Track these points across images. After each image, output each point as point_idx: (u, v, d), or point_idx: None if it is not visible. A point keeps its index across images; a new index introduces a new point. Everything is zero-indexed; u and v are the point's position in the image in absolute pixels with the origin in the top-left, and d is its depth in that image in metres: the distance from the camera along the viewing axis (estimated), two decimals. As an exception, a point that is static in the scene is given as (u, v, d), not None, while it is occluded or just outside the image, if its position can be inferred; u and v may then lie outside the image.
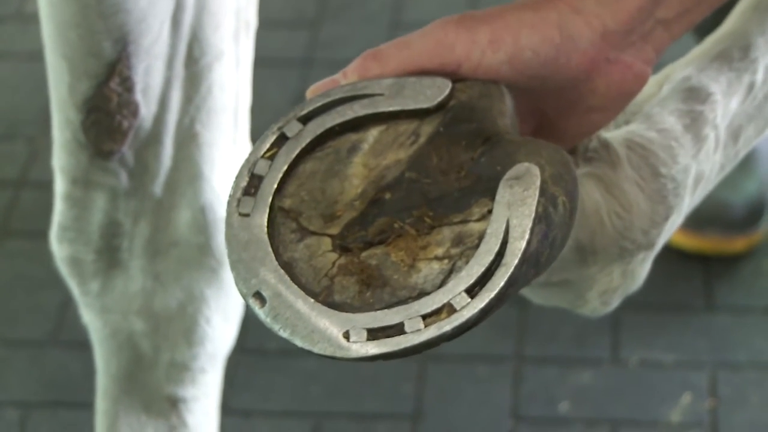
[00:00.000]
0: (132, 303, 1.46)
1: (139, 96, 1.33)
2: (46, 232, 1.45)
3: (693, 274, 2.21)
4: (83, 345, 1.57)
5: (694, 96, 1.17)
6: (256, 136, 1.08)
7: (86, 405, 1.62)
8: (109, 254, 1.43)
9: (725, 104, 1.18)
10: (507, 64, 0.99)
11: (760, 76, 1.19)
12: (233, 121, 1.42)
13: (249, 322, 1.46)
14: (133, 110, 1.34)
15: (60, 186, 1.40)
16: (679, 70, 1.19)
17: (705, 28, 1.10)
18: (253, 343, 1.72)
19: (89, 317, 1.49)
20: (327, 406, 2.06)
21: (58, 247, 1.44)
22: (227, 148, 1.41)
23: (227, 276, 1.44)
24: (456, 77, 1.00)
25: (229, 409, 1.93)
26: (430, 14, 2.54)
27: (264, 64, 1.45)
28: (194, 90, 1.37)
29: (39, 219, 1.62)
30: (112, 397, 1.51)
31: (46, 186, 1.46)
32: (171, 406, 1.51)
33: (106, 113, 1.33)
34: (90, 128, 1.34)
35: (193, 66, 1.36)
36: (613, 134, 1.13)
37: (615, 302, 1.18)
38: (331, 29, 2.59)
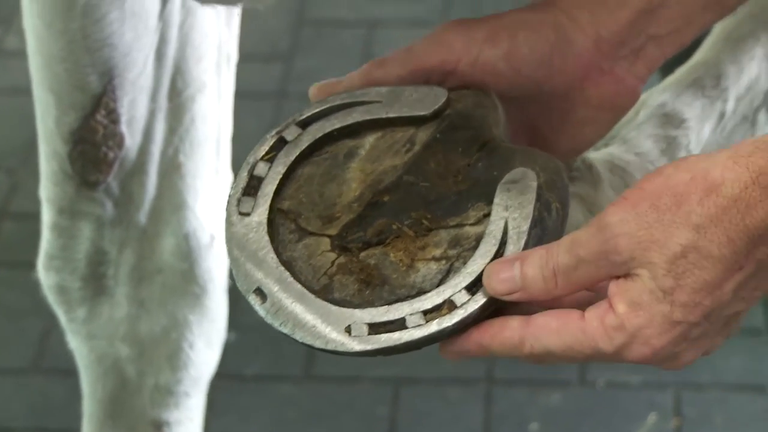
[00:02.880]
0: (117, 329, 1.45)
1: (124, 127, 1.33)
2: (28, 261, 1.45)
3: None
4: (66, 372, 1.57)
5: (669, 122, 1.18)
6: (235, 166, 1.09)
7: (69, 431, 1.61)
8: (95, 282, 1.42)
9: (698, 130, 1.19)
10: (504, 60, 1.00)
11: (730, 105, 1.20)
12: (215, 151, 1.42)
13: (228, 348, 1.46)
14: (119, 141, 1.34)
15: (47, 216, 1.40)
16: (655, 97, 1.20)
17: (679, 57, 1.09)
18: (233, 369, 1.72)
19: (75, 343, 1.48)
20: (304, 429, 2.06)
21: (45, 276, 1.43)
22: (210, 177, 1.41)
23: (210, 302, 1.43)
24: (454, 79, 1.01)
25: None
26: (356, 7, 2.56)
27: (240, 96, 1.45)
28: (178, 121, 1.37)
29: (20, 249, 1.62)
30: (98, 421, 1.50)
31: (27, 217, 1.47)
32: (155, 430, 1.50)
33: (92, 144, 1.33)
34: (76, 159, 1.34)
35: (176, 98, 1.36)
36: (594, 156, 1.14)
37: None
38: (304, 62, 2.60)
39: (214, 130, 1.40)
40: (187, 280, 1.43)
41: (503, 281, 0.93)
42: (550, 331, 0.92)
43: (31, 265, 1.46)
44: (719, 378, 2.11)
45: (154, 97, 1.35)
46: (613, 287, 0.91)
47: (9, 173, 2.36)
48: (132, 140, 1.35)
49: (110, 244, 1.41)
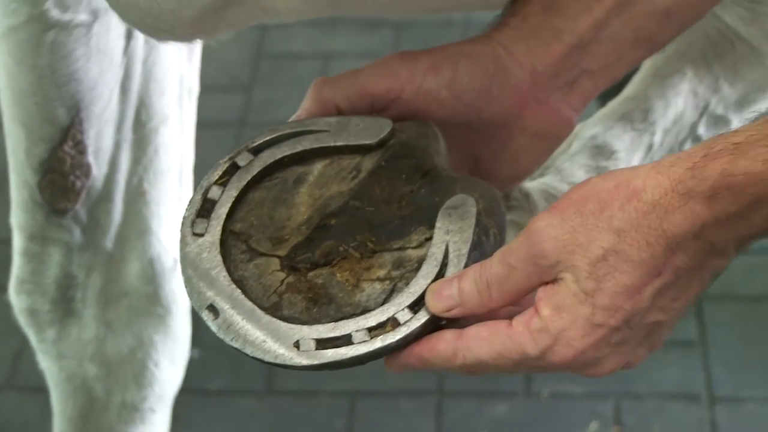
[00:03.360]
0: (86, 349, 1.43)
1: (91, 158, 1.32)
2: (0, 284, 1.43)
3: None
4: (37, 390, 1.55)
5: (600, 153, 1.18)
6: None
7: None
8: (64, 304, 1.41)
9: (628, 161, 1.19)
10: (446, 88, 1.00)
11: (658, 138, 1.20)
12: (178, 180, 1.40)
13: (192, 364, 1.45)
14: (86, 171, 1.33)
15: (18, 242, 1.38)
16: (587, 129, 1.20)
17: (610, 91, 1.09)
18: (197, 385, 1.70)
19: (46, 363, 1.46)
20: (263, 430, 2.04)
21: (16, 299, 1.41)
22: (173, 204, 1.40)
23: (174, 322, 1.42)
24: (398, 106, 1.00)
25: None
26: (313, 41, 2.56)
27: (202, 126, 1.44)
28: (142, 151, 1.36)
29: None
30: None
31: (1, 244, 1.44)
32: None
33: (61, 174, 1.32)
34: (46, 188, 1.33)
35: (140, 129, 1.35)
36: (530, 185, 1.14)
37: None
38: (262, 93, 2.58)
39: (176, 159, 1.39)
40: (151, 302, 1.42)
41: (443, 299, 0.92)
42: (480, 340, 0.91)
43: (3, 288, 1.45)
44: (656, 388, 2.11)
45: (119, 129, 1.33)
46: (541, 292, 0.90)
47: None
48: (98, 170, 1.34)
49: (78, 268, 1.39)
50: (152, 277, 1.40)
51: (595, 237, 0.88)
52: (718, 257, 0.88)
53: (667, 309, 0.89)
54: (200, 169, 1.42)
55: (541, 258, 0.90)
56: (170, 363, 1.47)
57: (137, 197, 1.37)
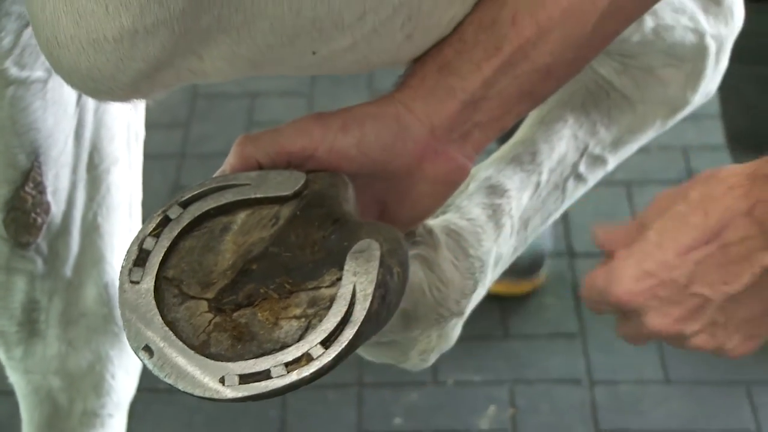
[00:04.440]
0: (50, 365, 1.41)
1: (50, 197, 1.30)
2: None
3: (492, 310, 2.22)
4: (8, 393, 1.51)
5: (494, 192, 1.18)
6: (145, 217, 1.08)
7: None
8: (29, 326, 1.39)
9: (518, 198, 1.19)
10: (355, 146, 0.98)
11: (544, 177, 1.20)
12: (128, 213, 1.39)
13: (145, 368, 1.44)
14: (46, 208, 1.30)
15: None
16: (482, 171, 1.20)
17: (502, 136, 1.10)
18: (147, 384, 1.68)
19: (14, 377, 1.44)
20: (212, 429, 2.03)
21: None
22: (124, 235, 1.38)
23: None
24: (313, 162, 0.99)
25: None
26: (276, 115, 2.59)
27: (148, 158, 1.45)
28: (95, 190, 1.34)
29: None
30: None
31: None
32: None
33: (23, 212, 1.29)
34: (10, 224, 1.30)
35: (93, 170, 1.33)
36: (433, 222, 1.13)
37: (432, 360, 1.19)
38: (199, 128, 2.57)
39: (126, 195, 1.37)
40: (107, 321, 1.40)
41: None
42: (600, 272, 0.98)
43: None
44: (545, 374, 2.14)
45: (74, 170, 1.31)
46: None
47: None
48: (57, 207, 1.31)
49: (41, 294, 1.37)
50: (107, 300, 1.38)
51: (677, 202, 0.91)
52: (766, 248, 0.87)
53: (713, 286, 0.89)
54: (147, 198, 1.42)
55: (643, 216, 0.95)
56: (125, 374, 1.45)
57: (92, 230, 1.35)
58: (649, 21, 1.14)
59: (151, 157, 1.55)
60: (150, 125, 1.42)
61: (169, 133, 2.50)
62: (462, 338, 2.10)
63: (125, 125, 1.34)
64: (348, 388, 2.08)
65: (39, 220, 1.30)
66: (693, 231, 0.88)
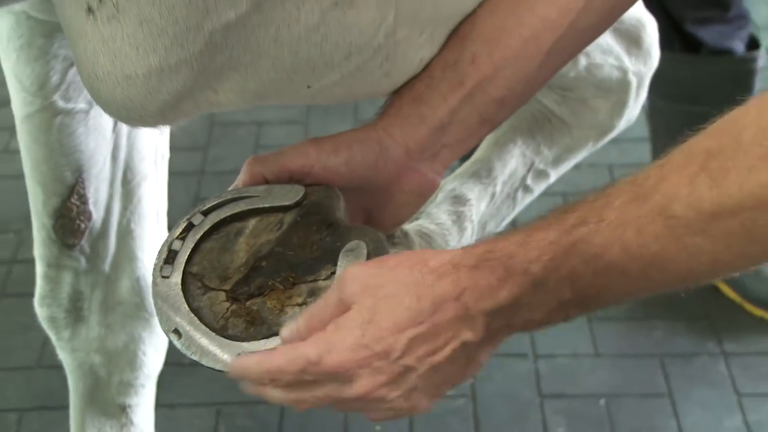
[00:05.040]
0: (92, 344, 1.41)
1: (91, 207, 1.30)
2: (31, 293, 1.40)
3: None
4: (59, 368, 1.50)
5: (458, 201, 1.18)
6: (170, 224, 1.09)
7: (63, 407, 1.54)
8: (75, 313, 1.38)
9: (477, 206, 1.19)
10: (344, 165, 0.98)
11: (498, 188, 1.20)
12: (156, 220, 1.38)
13: (171, 344, 1.43)
14: (88, 216, 1.30)
15: (39, 268, 1.36)
16: (448, 184, 1.21)
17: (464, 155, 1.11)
18: (173, 359, 1.65)
19: (63, 355, 1.44)
20: (225, 398, 1.99)
21: (39, 310, 1.39)
22: (152, 238, 1.37)
23: (156, 322, 1.38)
24: (310, 178, 0.99)
25: (158, 404, 1.88)
26: (279, 140, 2.58)
27: (173, 176, 1.44)
28: (129, 201, 1.33)
29: (26, 285, 1.57)
30: (80, 408, 1.46)
31: (30, 263, 1.42)
32: (121, 411, 1.46)
33: (69, 219, 1.29)
34: (58, 229, 1.30)
35: (127, 185, 1.33)
36: (408, 226, 1.13)
37: None
38: (216, 151, 2.54)
39: (154, 205, 1.36)
40: (139, 309, 1.39)
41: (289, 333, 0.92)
42: (277, 353, 0.90)
43: (32, 295, 1.40)
44: (498, 350, 2.06)
45: (111, 185, 1.31)
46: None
47: (16, 233, 2.30)
48: (97, 215, 1.31)
49: (85, 286, 1.36)
50: (139, 291, 1.38)
51: (385, 284, 0.86)
52: (470, 327, 0.84)
53: (421, 359, 0.84)
54: (172, 208, 1.41)
55: (342, 293, 0.87)
56: (155, 351, 1.44)
57: (126, 234, 1.35)
58: (582, 60, 1.15)
59: (175, 174, 1.55)
60: (174, 147, 1.42)
61: (191, 155, 2.48)
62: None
63: (153, 147, 1.34)
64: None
65: (82, 225, 1.30)
66: (407, 312, 0.84)
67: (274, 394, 0.88)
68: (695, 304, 2.07)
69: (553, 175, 1.24)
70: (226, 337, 0.92)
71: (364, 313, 0.85)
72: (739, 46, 1.84)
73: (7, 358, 2.05)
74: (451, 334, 0.84)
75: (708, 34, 1.59)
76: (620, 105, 1.20)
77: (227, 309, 0.94)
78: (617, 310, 2.08)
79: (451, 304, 0.83)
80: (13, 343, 2.06)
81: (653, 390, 1.93)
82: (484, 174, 1.20)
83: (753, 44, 1.87)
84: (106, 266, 1.35)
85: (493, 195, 1.20)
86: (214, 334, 0.92)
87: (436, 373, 0.85)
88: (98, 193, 1.29)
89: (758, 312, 2.04)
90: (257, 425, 1.92)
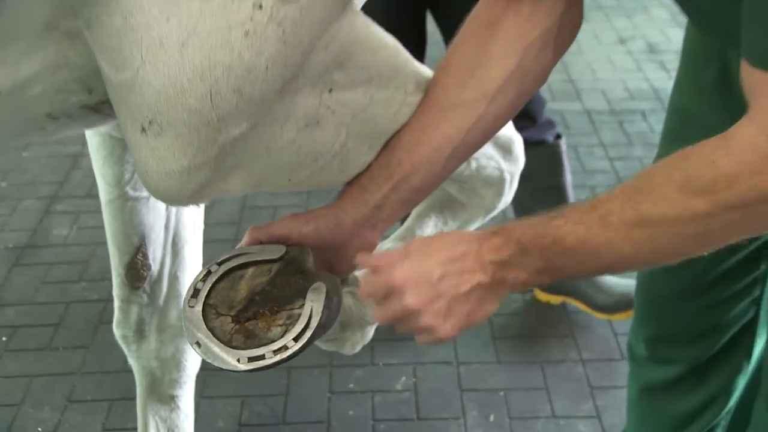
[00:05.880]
0: (151, 354, 1.39)
1: (151, 261, 1.29)
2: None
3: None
4: (129, 371, 1.48)
5: (407, 240, 1.17)
6: None
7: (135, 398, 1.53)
8: (139, 333, 1.37)
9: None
10: (314, 232, 0.97)
11: (428, 230, 1.20)
12: (194, 269, 1.36)
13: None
14: (148, 267, 1.29)
15: (116, 303, 1.35)
16: (385, 245, 1.19)
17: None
18: (207, 364, 1.64)
19: (132, 362, 1.42)
20: (247, 392, 1.95)
21: (116, 332, 1.38)
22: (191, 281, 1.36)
23: None
24: (290, 240, 0.97)
25: (200, 395, 1.85)
26: (268, 200, 2.54)
27: (217, 242, 1.42)
28: (176, 257, 1.32)
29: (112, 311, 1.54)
30: (144, 397, 1.44)
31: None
32: (171, 399, 1.44)
33: (136, 270, 1.29)
34: (128, 277, 1.30)
35: (176, 247, 1.31)
36: (357, 273, 1.11)
37: (358, 349, 1.16)
38: (245, 225, 2.48)
39: (193, 259, 1.35)
40: (182, 330, 1.36)
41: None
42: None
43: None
44: (431, 359, 2.04)
45: (164, 247, 1.30)
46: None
47: (110, 280, 2.23)
48: (155, 267, 1.30)
49: (146, 315, 1.35)
50: (182, 319, 1.36)
51: (434, 241, 0.88)
52: (483, 271, 0.85)
53: (449, 287, 0.85)
54: (206, 252, 1.38)
55: (410, 245, 0.89)
56: (193, 359, 1.42)
57: (174, 279, 1.33)
58: (473, 162, 1.14)
59: (218, 241, 1.54)
60: (218, 223, 1.40)
61: (229, 227, 2.42)
62: (387, 338, 2.10)
63: (193, 221, 1.32)
64: (324, 367, 2.01)
65: (145, 274, 1.30)
66: (444, 255, 0.85)
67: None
68: (563, 325, 2.06)
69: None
70: (231, 347, 0.90)
71: (420, 254, 0.86)
72: (549, 138, 1.96)
73: (103, 365, 2.02)
74: (470, 274, 0.84)
75: (528, 134, 1.66)
76: (499, 193, 1.19)
77: (232, 328, 0.92)
78: (513, 330, 2.08)
79: (473, 254, 0.85)
80: (107, 355, 2.04)
81: (535, 385, 1.93)
82: (409, 238, 1.18)
83: (558, 136, 1.99)
84: (161, 301, 1.34)
85: (434, 227, 1.19)
86: (223, 345, 0.91)
87: (458, 303, 0.85)
88: (155, 252, 1.28)
89: (603, 316, 2.03)
90: (269, 411, 1.89)
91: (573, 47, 1.04)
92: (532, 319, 2.09)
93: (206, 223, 1.39)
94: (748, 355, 1.18)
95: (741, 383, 1.20)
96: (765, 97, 0.73)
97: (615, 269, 0.84)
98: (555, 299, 2.10)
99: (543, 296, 2.11)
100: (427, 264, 0.85)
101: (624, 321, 2.02)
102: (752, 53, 0.74)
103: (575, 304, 2.07)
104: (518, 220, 0.86)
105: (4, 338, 2.10)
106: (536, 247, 0.83)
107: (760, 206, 0.73)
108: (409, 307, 0.85)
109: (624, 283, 2.01)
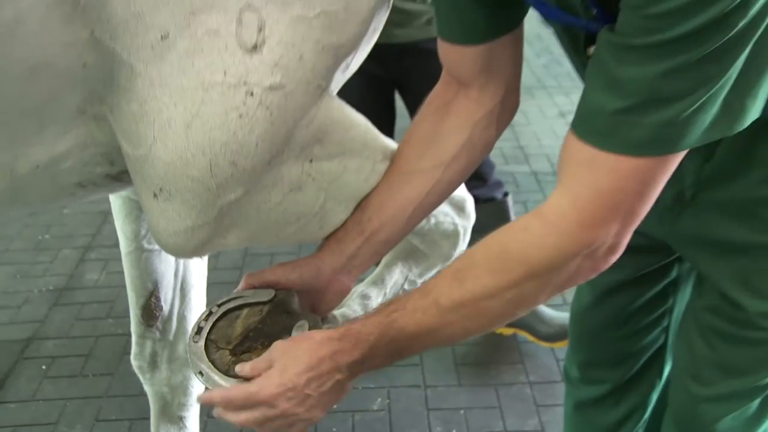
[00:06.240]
0: (162, 382, 1.36)
1: (162, 303, 1.27)
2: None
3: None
4: (144, 395, 1.43)
5: (364, 298, 1.14)
6: None
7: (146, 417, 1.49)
8: (153, 364, 1.34)
9: (375, 301, 1.15)
10: (298, 278, 0.96)
11: (387, 290, 1.17)
12: (199, 310, 1.34)
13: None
14: (160, 308, 1.27)
15: (133, 338, 1.32)
16: (360, 288, 1.16)
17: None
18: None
19: (146, 388, 1.39)
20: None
21: (133, 363, 1.35)
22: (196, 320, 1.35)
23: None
24: (279, 285, 0.96)
25: (206, 414, 1.82)
26: (266, 248, 2.51)
27: (222, 284, 1.39)
28: (184, 299, 1.30)
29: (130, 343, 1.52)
30: (156, 418, 1.41)
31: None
32: (180, 420, 1.41)
33: (150, 311, 1.27)
34: (143, 316, 1.27)
35: (183, 291, 1.29)
36: (336, 312, 1.10)
37: None
38: (247, 269, 2.49)
39: (199, 301, 1.33)
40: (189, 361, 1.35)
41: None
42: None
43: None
44: (403, 383, 2.01)
45: (174, 291, 1.28)
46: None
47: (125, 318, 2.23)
48: (166, 308, 1.28)
49: (159, 348, 1.33)
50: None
51: (292, 349, 0.84)
52: (340, 372, 0.83)
53: (314, 390, 0.83)
54: (210, 293, 1.36)
55: (272, 355, 0.85)
56: (199, 386, 1.39)
57: (182, 319, 1.31)
58: (432, 219, 1.14)
59: (223, 283, 1.52)
60: (222, 268, 1.38)
61: (233, 272, 2.40)
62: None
63: (198, 269, 1.31)
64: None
65: (157, 314, 1.28)
66: (304, 365, 0.82)
67: (229, 416, 0.85)
68: (514, 353, 2.06)
69: (420, 282, 1.20)
70: (229, 376, 0.89)
71: (281, 367, 0.83)
72: (498, 196, 1.96)
73: (126, 389, 1.98)
74: (328, 375, 0.83)
75: (479, 192, 1.68)
76: (455, 244, 1.18)
77: (230, 360, 0.92)
78: (472, 357, 2.07)
79: (328, 360, 0.83)
80: (129, 381, 1.98)
81: (490, 404, 1.91)
82: (379, 283, 1.18)
83: (506, 194, 1.99)
84: (171, 337, 1.32)
85: (384, 294, 1.17)
86: (222, 374, 0.90)
87: (323, 397, 0.83)
88: (167, 295, 1.27)
89: (546, 344, 2.02)
90: (265, 430, 1.88)
91: (522, 119, 1.07)
92: (488, 347, 2.09)
93: (213, 268, 1.39)
94: (660, 375, 1.19)
95: (654, 398, 1.21)
96: (573, 165, 0.71)
97: (455, 339, 0.81)
98: (507, 331, 2.11)
99: (497, 329, 2.11)
100: (289, 377, 0.82)
101: (564, 348, 2.02)
102: (576, 119, 0.72)
103: (523, 334, 2.08)
104: (365, 318, 0.83)
105: (43, 367, 2.08)
106: (383, 342, 0.81)
107: (565, 265, 0.71)
108: (287, 411, 0.83)
109: (563, 315, 2.02)
